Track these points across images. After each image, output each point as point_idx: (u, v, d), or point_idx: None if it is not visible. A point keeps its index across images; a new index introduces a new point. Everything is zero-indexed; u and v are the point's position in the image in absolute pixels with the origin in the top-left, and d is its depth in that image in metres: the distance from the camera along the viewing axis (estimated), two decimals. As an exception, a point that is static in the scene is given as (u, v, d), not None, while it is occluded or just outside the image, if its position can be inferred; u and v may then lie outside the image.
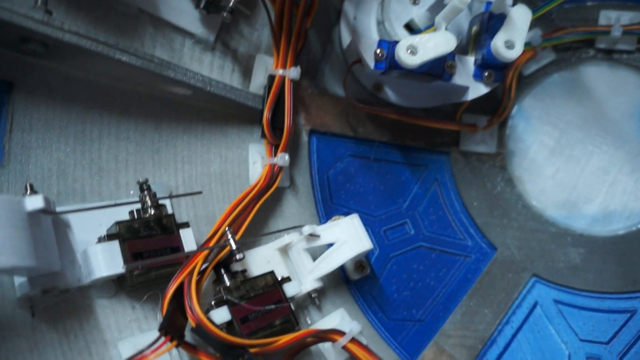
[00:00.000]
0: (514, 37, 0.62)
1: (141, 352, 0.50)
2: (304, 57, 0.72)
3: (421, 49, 0.61)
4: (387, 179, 0.74)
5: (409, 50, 0.61)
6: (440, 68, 0.65)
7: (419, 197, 0.74)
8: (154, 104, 0.65)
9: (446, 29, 0.63)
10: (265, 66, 0.70)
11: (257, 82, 0.69)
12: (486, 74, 0.67)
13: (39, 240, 0.49)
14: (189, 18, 0.66)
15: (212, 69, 0.68)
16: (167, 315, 0.53)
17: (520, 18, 0.63)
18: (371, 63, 0.65)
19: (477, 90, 0.67)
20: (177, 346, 0.52)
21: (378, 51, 0.64)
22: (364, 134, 0.74)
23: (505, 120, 0.77)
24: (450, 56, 0.65)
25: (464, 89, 0.68)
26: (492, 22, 0.65)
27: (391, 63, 0.64)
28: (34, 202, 0.49)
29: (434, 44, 0.61)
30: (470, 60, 0.67)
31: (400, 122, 0.74)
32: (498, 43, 0.62)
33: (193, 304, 0.53)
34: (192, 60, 0.67)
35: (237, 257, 0.57)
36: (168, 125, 0.65)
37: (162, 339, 0.51)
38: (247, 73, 0.70)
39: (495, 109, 0.75)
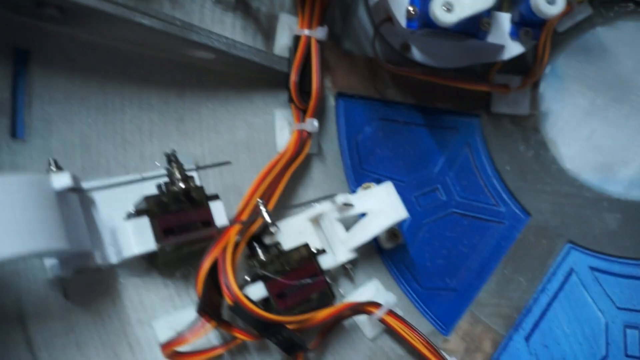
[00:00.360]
0: (555, -9, 0.59)
1: (180, 334, 0.49)
2: (327, 15, 0.68)
3: (457, 5, 0.57)
4: (416, 143, 0.72)
5: (445, 7, 0.57)
6: (475, 26, 0.61)
7: (450, 162, 0.72)
8: (176, 69, 0.61)
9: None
10: (289, 26, 0.66)
11: (281, 44, 0.66)
12: (523, 31, 0.63)
13: (68, 220, 0.47)
14: (208, -24, 0.62)
15: (234, 31, 0.64)
16: (204, 295, 0.51)
17: (562, -30, 0.59)
18: (403, 21, 0.61)
19: (513, 49, 0.64)
20: (216, 326, 0.51)
21: (410, 8, 0.61)
22: (392, 97, 0.71)
23: (537, 80, 0.73)
24: (486, 13, 0.61)
25: (499, 48, 0.64)
26: (530, -25, 0.61)
27: (424, 21, 0.61)
28: (61, 180, 0.46)
29: (472, 0, 0.57)
30: (506, 17, 0.63)
31: (429, 83, 0.71)
32: (539, -2, 0.58)
33: (230, 281, 0.51)
34: (214, 22, 0.63)
35: (272, 230, 0.55)
36: (191, 92, 0.62)
37: (199, 319, 0.50)
38: (270, 34, 0.66)
39: (526, 68, 0.72)
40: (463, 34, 0.62)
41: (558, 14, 0.58)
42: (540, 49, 0.69)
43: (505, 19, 0.63)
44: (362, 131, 0.70)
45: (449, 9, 0.57)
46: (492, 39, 0.63)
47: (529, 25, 0.63)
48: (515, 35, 0.63)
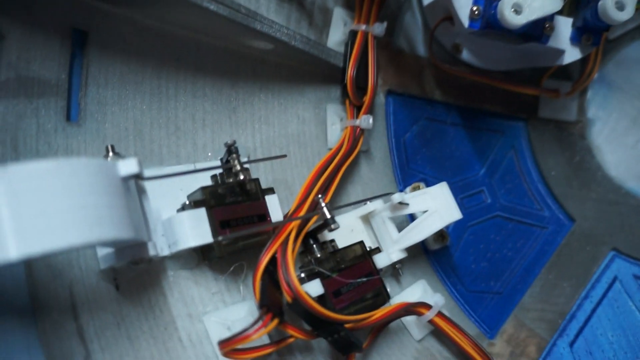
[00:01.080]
0: (625, -3, 0.58)
1: (244, 332, 0.47)
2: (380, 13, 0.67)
3: (527, 8, 0.56)
4: (462, 145, 0.71)
5: (514, 9, 0.56)
6: (539, 29, 0.60)
7: (495, 165, 0.71)
8: (231, 59, 0.60)
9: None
10: (344, 21, 0.65)
11: (335, 38, 0.65)
12: (585, 37, 0.62)
13: (131, 208, 0.45)
14: (266, -36, 0.60)
15: (289, 22, 0.62)
16: (264, 290, 0.49)
17: (633, -24, 0.58)
18: (465, 21, 0.60)
19: (573, 54, 0.63)
20: (279, 324, 0.49)
21: (475, 8, 0.60)
22: (441, 97, 0.70)
23: (585, 87, 0.73)
24: (549, 17, 0.61)
25: (558, 53, 0.63)
26: (598, -21, 0.60)
27: (488, 22, 0.59)
28: (128, 167, 0.44)
29: (541, 3, 0.56)
30: (568, 21, 0.62)
31: (478, 85, 0.70)
32: (608, 3, 0.57)
33: (291, 277, 0.49)
34: (269, 12, 0.61)
35: (333, 227, 0.53)
36: (245, 83, 0.60)
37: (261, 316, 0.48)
38: (323, 28, 0.65)
39: (570, 74, 0.71)
40: (525, 36, 0.61)
41: (627, 19, 0.57)
42: (593, 55, 0.68)
43: (566, 24, 0.62)
44: (410, 130, 0.69)
45: (517, 10, 0.56)
46: (553, 43, 0.62)
47: (591, 31, 0.62)
48: (576, 40, 0.62)
